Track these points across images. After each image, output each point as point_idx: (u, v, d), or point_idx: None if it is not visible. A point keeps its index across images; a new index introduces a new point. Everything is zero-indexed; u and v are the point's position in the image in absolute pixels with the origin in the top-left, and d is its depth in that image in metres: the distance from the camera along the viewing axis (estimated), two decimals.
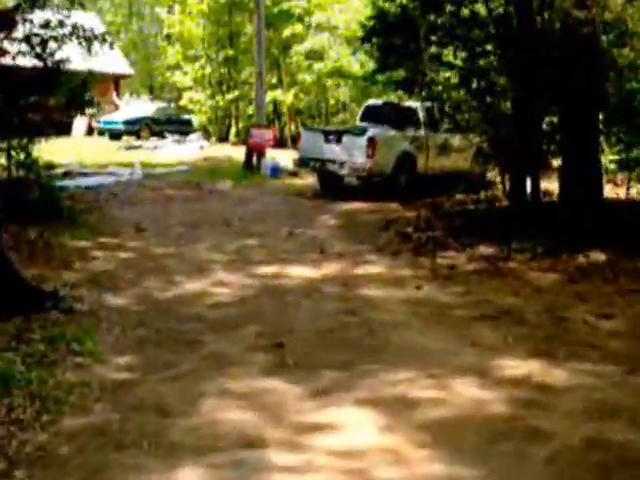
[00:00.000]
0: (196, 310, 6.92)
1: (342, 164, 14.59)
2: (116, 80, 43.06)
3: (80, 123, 35.94)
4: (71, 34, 12.08)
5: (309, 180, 17.21)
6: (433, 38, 10.38)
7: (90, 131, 33.75)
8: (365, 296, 7.61)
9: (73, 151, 24.26)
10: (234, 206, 13.76)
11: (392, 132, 15.34)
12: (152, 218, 12.45)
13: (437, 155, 13.93)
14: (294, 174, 18.28)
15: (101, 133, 32.74)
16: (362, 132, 14.78)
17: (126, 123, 31.70)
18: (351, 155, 14.49)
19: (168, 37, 33.97)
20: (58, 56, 12.34)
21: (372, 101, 18.11)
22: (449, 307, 7.27)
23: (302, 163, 15.74)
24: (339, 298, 7.53)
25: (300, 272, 8.68)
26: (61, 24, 11.84)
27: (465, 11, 10.30)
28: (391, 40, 10.39)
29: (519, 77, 10.20)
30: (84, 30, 12.28)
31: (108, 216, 12.59)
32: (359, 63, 25.94)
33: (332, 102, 31.35)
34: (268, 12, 27.45)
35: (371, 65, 25.37)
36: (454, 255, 9.81)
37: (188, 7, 30.06)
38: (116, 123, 32.10)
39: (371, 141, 14.31)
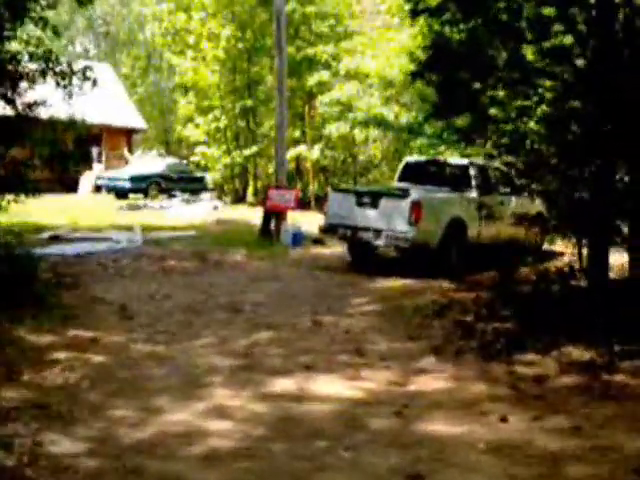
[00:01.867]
0: (176, 469, 4.75)
1: (378, 233, 12.50)
2: (128, 134, 41.86)
3: (87, 180, 34.58)
4: (44, 70, 9.93)
5: (337, 250, 15.17)
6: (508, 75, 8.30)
7: (98, 188, 32.15)
8: (431, 437, 5.39)
9: (70, 211, 22.61)
10: (247, 283, 11.69)
11: (440, 194, 13.31)
12: (144, 299, 10.43)
13: (491, 221, 11.98)
14: (319, 242, 16.26)
15: (109, 190, 31.11)
16: (404, 194, 12.71)
17: (133, 180, 30.06)
18: (390, 222, 12.40)
19: (183, 87, 32.37)
20: (31, 98, 10.39)
21: (413, 158, 16.11)
22: (561, 460, 5.04)
23: (329, 230, 13.67)
24: (394, 443, 5.28)
25: (331, 389, 6.51)
26: (32, 57, 9.77)
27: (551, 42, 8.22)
28: (455, 75, 8.27)
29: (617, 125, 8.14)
30: (58, 63, 10.16)
31: (89, 295, 10.55)
32: (393, 114, 24.11)
33: (362, 158, 29.55)
34: (291, 59, 25.87)
35: (406, 116, 24.15)
36: (536, 359, 7.62)
37: (202, 52, 28.43)
38: (122, 180, 30.46)
39: (415, 205, 12.20)
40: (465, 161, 14.04)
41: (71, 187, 34.68)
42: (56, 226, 18.67)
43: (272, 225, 16.91)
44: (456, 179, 13.70)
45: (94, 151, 38.70)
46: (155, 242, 16.20)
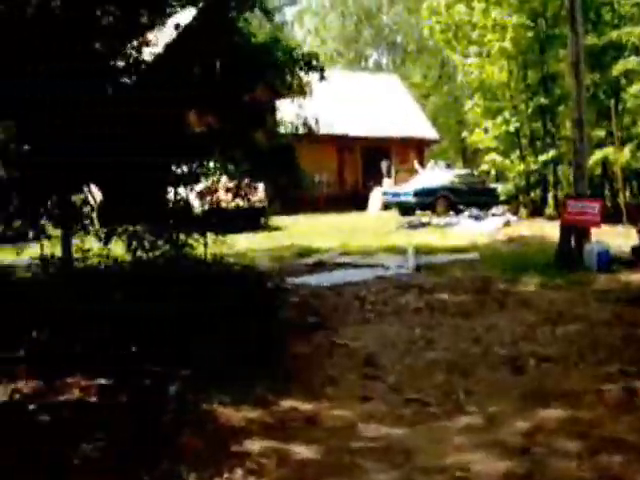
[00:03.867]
0: None
1: None
2: (419, 146, 40.70)
3: (376, 196, 33.66)
4: None
5: None
6: None
7: (387, 205, 31.02)
8: None
9: (346, 231, 21.45)
10: (535, 326, 9.23)
11: None
12: (400, 347, 8.49)
13: None
14: (634, 264, 13.38)
15: (395, 207, 29.84)
16: None
17: (417, 194, 28.36)
18: None
19: (469, 88, 30.26)
20: None
21: None
22: None
23: None
24: None
25: None
26: None
27: None
28: None
29: None
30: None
31: (331, 340, 8.80)
32: None
33: None
34: (591, 47, 22.99)
35: None
36: None
37: (486, 47, 26.05)
38: (405, 195, 28.91)
39: None
40: None
41: (362, 204, 34.02)
42: (325, 249, 17.42)
43: (572, 244, 14.25)
44: None
45: (383, 165, 37.91)
46: (429, 268, 14.23)
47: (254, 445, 5.40)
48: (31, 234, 9.05)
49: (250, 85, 9.43)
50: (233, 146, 9.70)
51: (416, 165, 37.20)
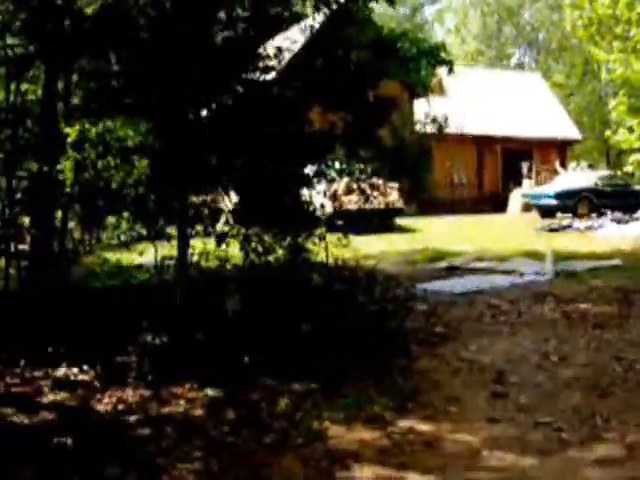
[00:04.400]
0: None
1: None
2: (561, 146, 39.57)
3: (516, 198, 32.84)
4: None
5: None
6: None
7: (528, 207, 30.18)
8: None
9: (483, 234, 20.83)
10: None
11: None
12: (533, 362, 7.91)
13: None
14: None
15: (536, 208, 29.01)
16: None
17: (559, 196, 27.35)
18: None
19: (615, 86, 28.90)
20: None
21: None
22: None
23: None
24: None
25: None
26: None
27: None
28: None
29: None
30: None
31: (458, 355, 8.29)
32: None
33: None
34: None
35: None
36: None
37: (631, 41, 24.70)
38: (547, 196, 27.97)
39: None
40: None
41: (501, 206, 33.29)
42: (460, 253, 16.84)
43: None
44: None
45: (524, 166, 37.03)
46: (568, 275, 13.45)
47: (363, 472, 5.01)
48: (151, 234, 8.94)
49: (374, 80, 9.02)
50: (358, 144, 9.32)
51: (557, 166, 36.06)
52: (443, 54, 9.90)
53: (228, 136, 8.66)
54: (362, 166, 10.09)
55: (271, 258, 9.30)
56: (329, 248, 9.72)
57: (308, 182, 9.58)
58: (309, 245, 9.52)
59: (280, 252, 9.38)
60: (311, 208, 9.88)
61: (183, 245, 8.69)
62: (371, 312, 9.92)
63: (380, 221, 22.76)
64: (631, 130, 26.30)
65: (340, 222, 21.32)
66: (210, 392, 6.81)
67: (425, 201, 32.29)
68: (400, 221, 24.37)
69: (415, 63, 9.62)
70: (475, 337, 9.11)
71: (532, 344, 8.66)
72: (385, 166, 9.53)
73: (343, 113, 9.02)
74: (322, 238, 9.57)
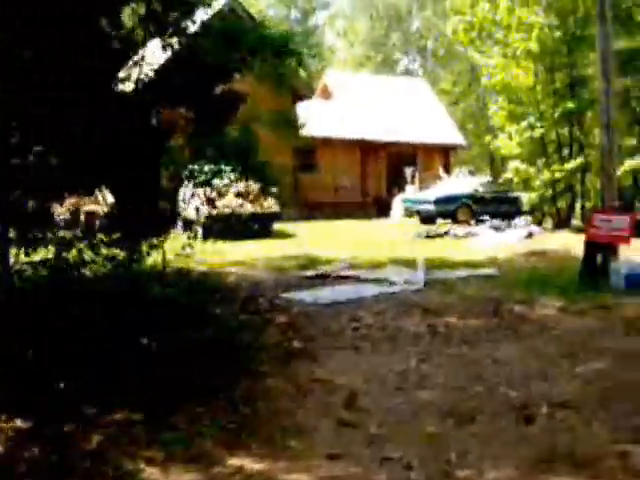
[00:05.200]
0: None
1: None
2: (445, 152, 39.80)
3: (398, 203, 32.61)
4: None
5: None
6: None
7: (411, 213, 29.93)
8: None
9: (360, 240, 20.35)
10: (553, 360, 7.96)
11: None
12: (390, 383, 7.26)
13: None
14: None
15: (415, 214, 28.85)
16: None
17: (438, 203, 27.16)
18: None
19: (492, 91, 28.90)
20: None
21: None
22: None
23: None
24: None
25: None
26: None
27: None
28: None
29: None
30: None
31: (312, 374, 7.55)
32: None
33: None
34: (622, 50, 21.70)
35: None
36: None
37: (511, 47, 24.60)
38: (427, 202, 27.75)
39: None
40: None
41: (385, 211, 33.12)
42: (333, 260, 16.19)
43: (598, 261, 12.89)
44: None
45: (407, 171, 36.99)
46: (440, 284, 12.95)
47: None
48: None
49: (223, 75, 8.23)
50: (206, 143, 8.56)
51: (441, 172, 36.12)
52: (290, 46, 9.15)
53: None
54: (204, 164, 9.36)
55: (109, 266, 8.41)
56: (196, 255, 8.91)
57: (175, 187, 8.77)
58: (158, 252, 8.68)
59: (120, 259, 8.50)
60: (176, 212, 9.11)
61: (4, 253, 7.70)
62: (227, 325, 9.23)
63: (256, 226, 21.99)
64: (510, 136, 26.30)
65: (215, 227, 20.57)
66: (20, 423, 5.88)
67: (309, 205, 31.82)
68: (279, 226, 23.68)
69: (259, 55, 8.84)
70: (334, 354, 8.43)
71: (392, 362, 8.02)
72: (237, 167, 8.76)
73: (186, 110, 8.21)
74: (151, 247, 8.69)
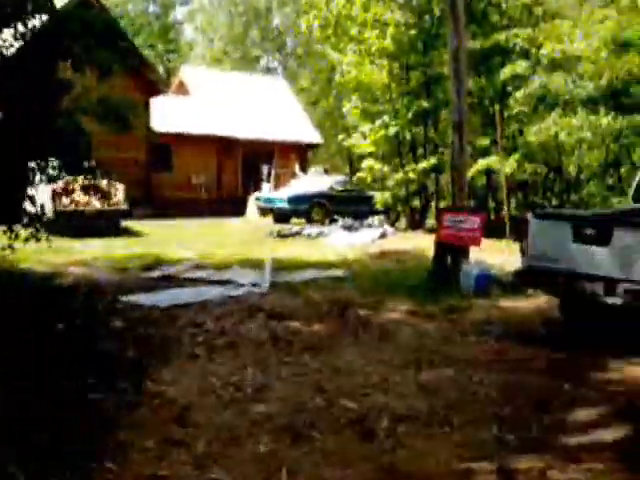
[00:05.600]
0: None
1: (612, 284, 8.21)
2: (302, 150, 39.83)
3: (254, 201, 32.25)
4: None
5: (541, 300, 10.97)
6: None
7: (266, 211, 29.55)
8: None
9: (211, 239, 19.89)
10: (397, 369, 7.62)
11: None
12: (226, 396, 6.75)
13: None
14: (515, 287, 11.95)
15: (269, 213, 28.58)
16: None
17: (291, 201, 26.91)
18: (632, 267, 8.07)
19: (347, 88, 28.80)
20: None
21: None
22: None
23: (529, 278, 9.54)
24: None
25: None
26: None
27: None
28: None
29: None
30: None
31: (143, 384, 6.99)
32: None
33: (571, 170, 24.93)
34: (477, 49, 22.03)
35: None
36: None
37: (366, 44, 24.50)
38: (280, 201, 27.46)
39: None
40: None
41: (241, 209, 32.76)
42: (181, 260, 15.62)
43: (448, 262, 12.79)
44: None
45: (264, 169, 36.79)
46: (287, 286, 12.58)
47: None
48: None
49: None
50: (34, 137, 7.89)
51: (297, 170, 36.00)
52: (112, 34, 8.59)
53: None
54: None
55: None
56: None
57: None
58: None
59: None
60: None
61: None
62: (57, 332, 8.54)
63: (105, 223, 21.14)
64: (365, 135, 26.24)
65: (60, 224, 19.57)
66: None
67: (163, 203, 31.10)
68: (130, 224, 22.91)
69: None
70: (169, 363, 7.87)
71: (229, 372, 7.54)
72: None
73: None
74: None
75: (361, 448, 5.54)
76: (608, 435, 5.79)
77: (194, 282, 13.10)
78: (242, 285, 12.63)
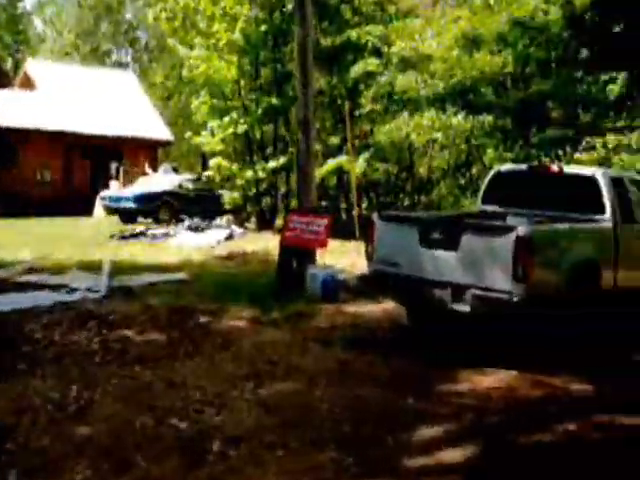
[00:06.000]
0: None
1: (460, 290, 8.06)
2: (152, 148, 39.16)
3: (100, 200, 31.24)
4: None
5: (390, 305, 10.78)
6: None
7: (112, 211, 28.58)
8: None
9: (51, 240, 19.04)
10: (235, 382, 7.22)
11: (559, 225, 8.80)
12: (49, 414, 6.22)
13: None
14: (363, 291, 11.74)
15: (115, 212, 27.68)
16: (502, 226, 8.33)
17: (138, 200, 26.16)
18: (480, 272, 7.95)
19: (195, 84, 28.21)
20: None
21: (508, 166, 11.65)
22: None
23: (375, 283, 9.35)
24: None
25: None
26: None
27: None
28: None
29: None
30: None
31: None
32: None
33: (422, 170, 25.20)
34: (328, 45, 21.97)
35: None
36: None
37: (214, 38, 23.96)
38: (126, 200, 26.64)
39: (524, 244, 7.69)
40: (592, 171, 9.64)
41: (90, 208, 31.74)
42: (15, 262, 14.73)
43: (294, 266, 12.44)
44: (578, 199, 9.32)
45: (113, 167, 35.87)
46: (125, 291, 11.97)
47: None
48: None
49: None
50: None
51: (147, 168, 35.20)
52: None
53: None
54: None
55: None
56: None
57: None
58: None
59: None
60: None
61: None
62: None
63: None
64: (213, 132, 25.68)
65: None
66: None
67: (6, 201, 29.79)
68: None
69: None
70: None
71: (52, 388, 6.96)
72: None
73: None
74: None
75: (187, 477, 5.12)
76: (455, 455, 5.57)
77: (26, 287, 12.31)
78: (77, 290, 11.96)
